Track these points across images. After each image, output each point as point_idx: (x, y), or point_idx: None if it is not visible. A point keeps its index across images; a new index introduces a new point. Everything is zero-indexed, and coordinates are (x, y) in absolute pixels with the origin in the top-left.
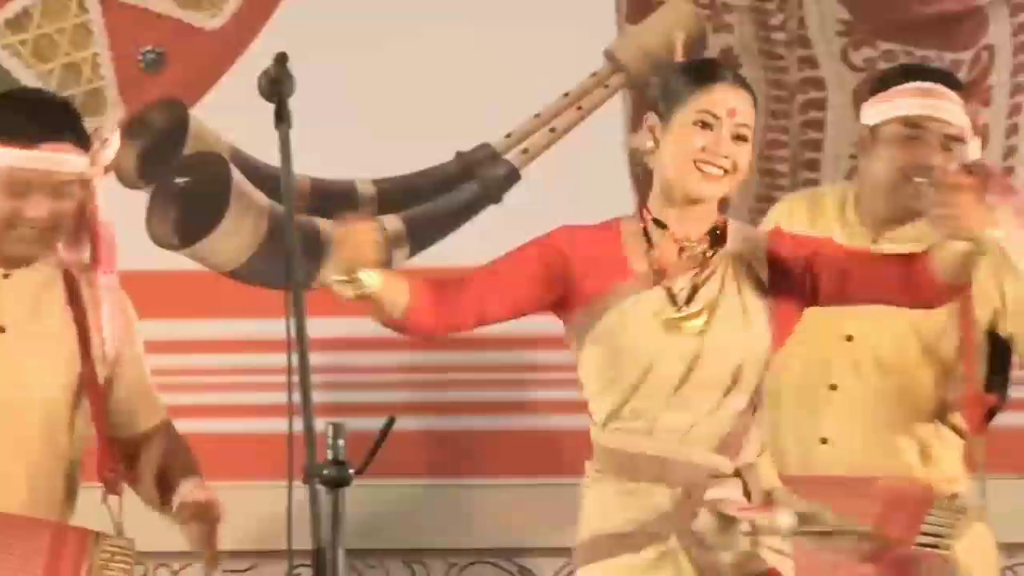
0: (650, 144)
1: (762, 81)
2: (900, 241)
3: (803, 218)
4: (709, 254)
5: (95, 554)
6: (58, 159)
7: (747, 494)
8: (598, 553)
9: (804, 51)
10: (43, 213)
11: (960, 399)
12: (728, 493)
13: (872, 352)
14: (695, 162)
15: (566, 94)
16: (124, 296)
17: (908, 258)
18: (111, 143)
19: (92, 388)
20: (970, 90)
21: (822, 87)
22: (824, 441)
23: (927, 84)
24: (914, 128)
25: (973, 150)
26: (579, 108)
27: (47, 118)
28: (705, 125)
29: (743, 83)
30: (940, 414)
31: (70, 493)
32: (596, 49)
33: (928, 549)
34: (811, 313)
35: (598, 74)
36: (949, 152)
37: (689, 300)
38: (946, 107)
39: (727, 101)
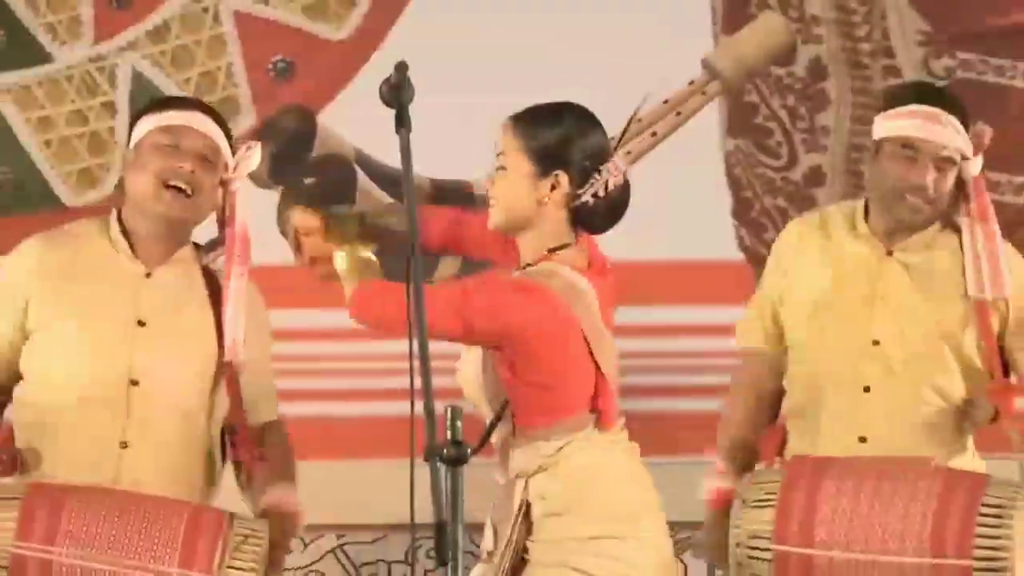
0: None
1: (848, 89)
2: (912, 250)
3: (815, 240)
4: None
5: (230, 534)
6: (204, 124)
7: None
8: None
9: (888, 61)
10: (192, 169)
11: (992, 389)
12: None
13: (899, 354)
14: None
15: (666, 100)
16: (256, 292)
17: None
18: (254, 153)
19: (230, 379)
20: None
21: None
22: (863, 440)
23: (928, 108)
24: (910, 149)
25: (974, 166)
26: (678, 114)
27: (196, 101)
28: None
29: None
30: (963, 412)
31: (209, 477)
32: (694, 58)
33: (991, 520)
34: (838, 322)
35: (696, 82)
36: (943, 172)
37: None
38: (943, 132)
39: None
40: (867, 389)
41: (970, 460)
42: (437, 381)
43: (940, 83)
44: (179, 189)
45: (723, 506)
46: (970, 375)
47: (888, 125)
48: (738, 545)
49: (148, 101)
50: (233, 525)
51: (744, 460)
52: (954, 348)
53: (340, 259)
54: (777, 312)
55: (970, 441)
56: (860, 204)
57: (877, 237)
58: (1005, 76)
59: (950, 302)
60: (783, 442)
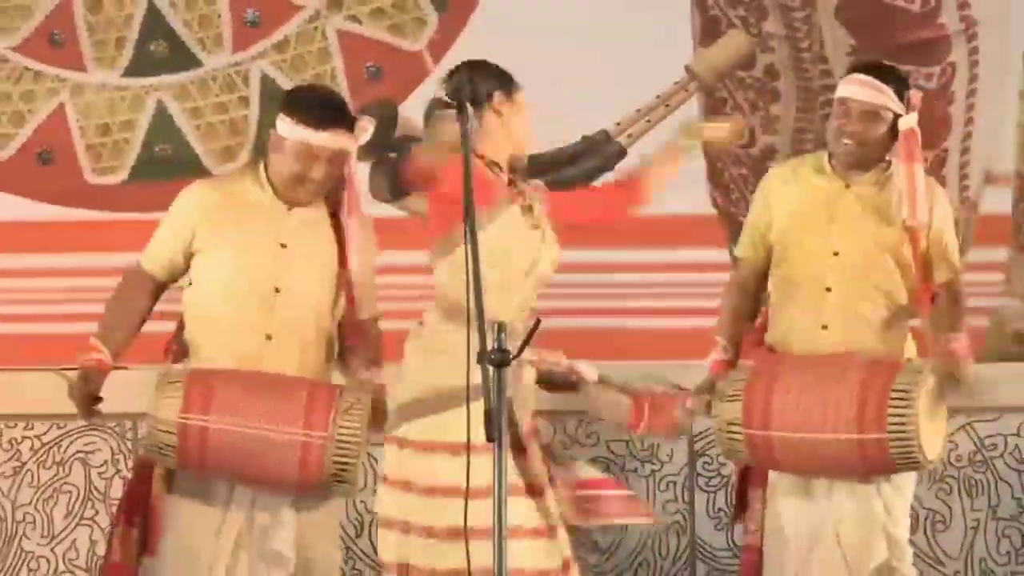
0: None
1: (794, 87)
2: (865, 185)
3: (791, 179)
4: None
5: (340, 402)
6: (336, 139)
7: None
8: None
9: (824, 66)
10: (321, 175)
11: (914, 291)
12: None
13: (853, 262)
14: None
15: (658, 96)
16: (371, 229)
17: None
18: (367, 129)
19: (347, 288)
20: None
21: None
22: (824, 328)
23: (862, 76)
24: (843, 105)
25: (906, 122)
26: (667, 106)
27: (331, 110)
28: None
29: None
30: (905, 309)
31: (328, 361)
32: (679, 64)
33: (900, 399)
34: (805, 236)
35: (680, 82)
36: (871, 123)
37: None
38: (868, 92)
39: None
40: (828, 289)
41: (908, 346)
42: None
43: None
44: (312, 184)
45: (718, 372)
46: (907, 280)
47: (837, 89)
48: (719, 430)
49: (287, 93)
50: (343, 395)
51: (734, 340)
52: (895, 259)
53: None
54: (763, 233)
55: (907, 330)
56: (826, 153)
57: (837, 174)
58: (911, 79)
59: (892, 224)
60: (763, 332)
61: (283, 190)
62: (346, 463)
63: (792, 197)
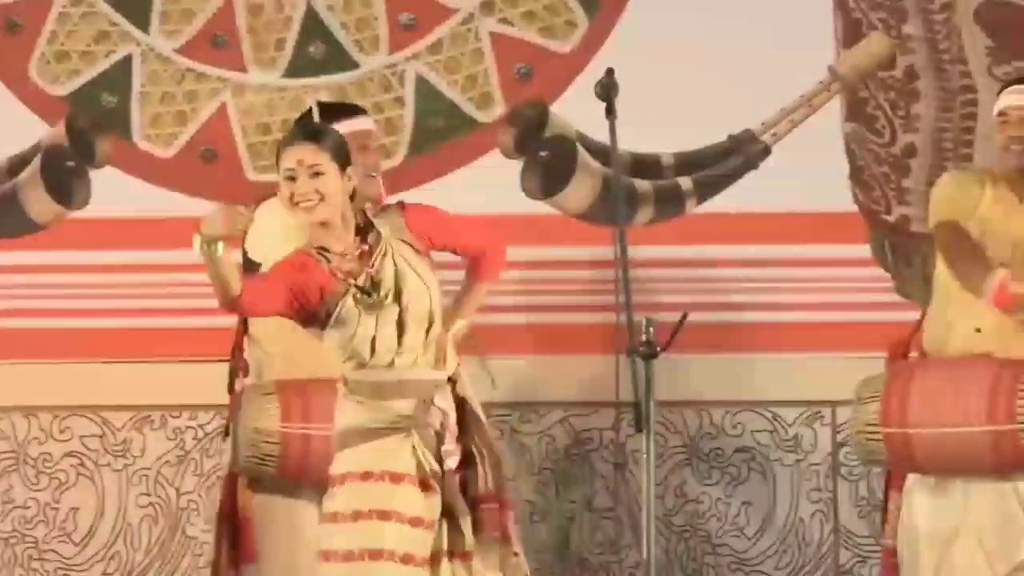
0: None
1: (934, 87)
2: None
3: (969, 190)
4: (365, 248)
5: None
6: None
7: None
8: (352, 442)
9: (963, 67)
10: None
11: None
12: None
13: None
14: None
15: (801, 95)
16: None
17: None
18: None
19: None
20: None
21: (975, 91)
22: (978, 330)
23: (1017, 86)
24: (1003, 116)
25: None
26: (810, 105)
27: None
28: (290, 179)
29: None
30: None
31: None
32: (822, 65)
33: None
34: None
35: (823, 82)
36: None
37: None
38: (1022, 98)
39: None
40: (978, 330)
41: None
42: (636, 298)
43: None
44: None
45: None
46: None
47: (995, 106)
48: (858, 432)
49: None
50: None
51: None
52: None
53: (219, 249)
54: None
55: None
56: (994, 166)
57: (1009, 186)
58: None
59: None
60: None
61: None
62: None
63: (975, 203)
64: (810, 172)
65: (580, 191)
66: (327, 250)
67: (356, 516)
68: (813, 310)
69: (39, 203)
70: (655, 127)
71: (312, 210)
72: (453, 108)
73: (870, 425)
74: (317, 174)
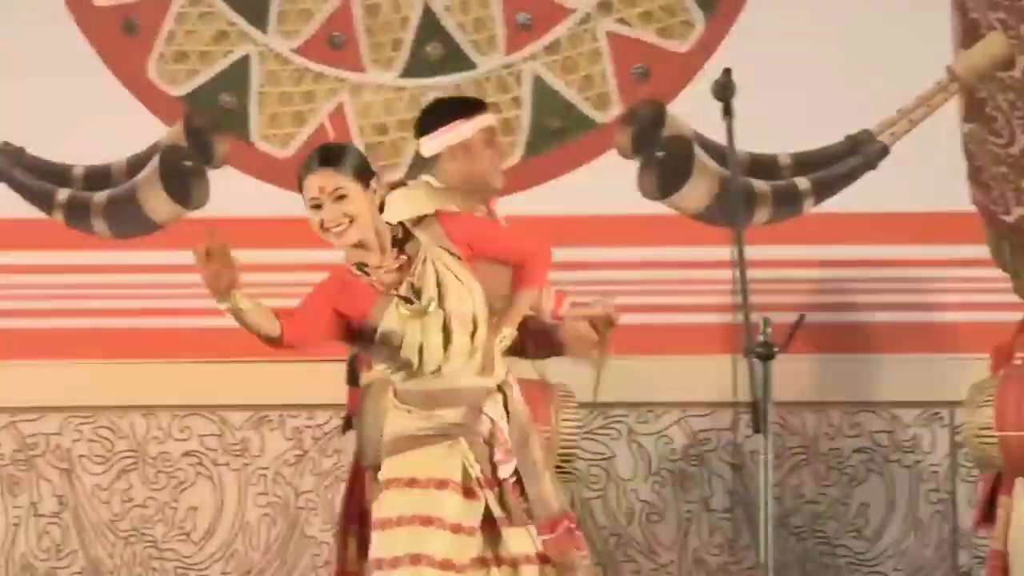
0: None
1: None
2: None
3: None
4: (404, 259)
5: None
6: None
7: (505, 402)
8: (401, 448)
9: None
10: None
11: None
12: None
13: None
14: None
15: (919, 96)
16: None
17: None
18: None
19: None
20: None
21: None
22: None
23: None
24: None
25: None
26: (928, 106)
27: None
28: (315, 207)
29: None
30: None
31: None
32: (940, 66)
33: None
34: None
35: (940, 83)
36: None
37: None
38: None
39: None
40: None
41: None
42: (754, 299)
43: None
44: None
45: None
46: None
47: None
48: (972, 436)
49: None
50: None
51: None
52: None
53: (241, 300)
54: None
55: None
56: None
57: None
58: None
59: None
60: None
61: None
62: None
63: None
64: (928, 172)
65: (697, 191)
66: (366, 265)
67: (400, 521)
68: (931, 310)
69: (157, 203)
70: (772, 127)
71: (344, 234)
72: (570, 108)
73: (984, 429)
74: (341, 197)
